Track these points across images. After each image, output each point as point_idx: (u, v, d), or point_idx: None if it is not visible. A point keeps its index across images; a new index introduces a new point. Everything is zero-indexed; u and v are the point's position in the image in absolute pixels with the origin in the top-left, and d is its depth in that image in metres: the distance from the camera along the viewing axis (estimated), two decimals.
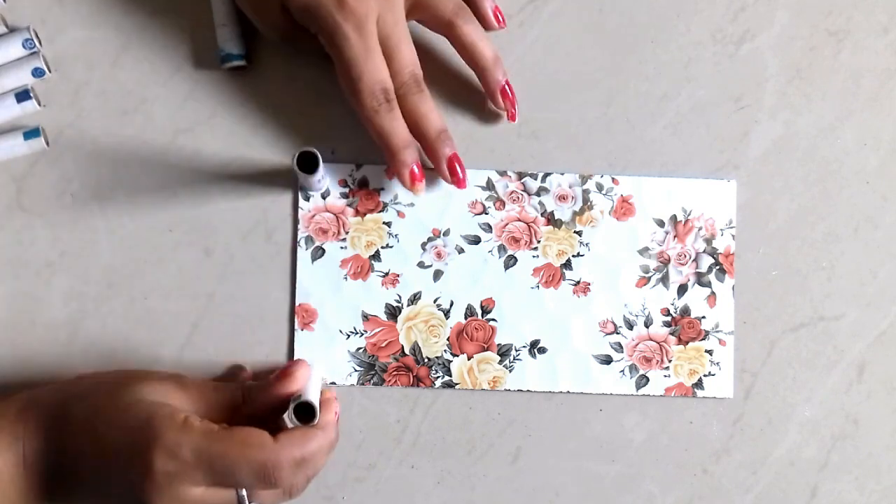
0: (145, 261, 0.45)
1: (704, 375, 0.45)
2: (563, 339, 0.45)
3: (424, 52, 0.44)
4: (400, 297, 0.45)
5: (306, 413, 0.38)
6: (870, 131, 0.47)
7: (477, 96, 0.46)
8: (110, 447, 0.36)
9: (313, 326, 0.45)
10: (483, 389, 0.45)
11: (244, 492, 0.36)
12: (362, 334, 0.45)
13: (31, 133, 0.44)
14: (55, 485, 0.37)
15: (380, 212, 0.45)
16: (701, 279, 0.46)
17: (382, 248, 0.45)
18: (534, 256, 0.45)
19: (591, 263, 0.46)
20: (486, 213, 0.45)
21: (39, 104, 0.44)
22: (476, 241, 0.45)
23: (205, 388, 0.40)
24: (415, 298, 0.45)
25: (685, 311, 0.46)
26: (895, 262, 0.46)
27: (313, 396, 0.39)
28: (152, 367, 0.44)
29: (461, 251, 0.45)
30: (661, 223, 0.46)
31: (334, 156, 0.45)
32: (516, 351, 0.45)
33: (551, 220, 0.46)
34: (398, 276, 0.45)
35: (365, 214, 0.45)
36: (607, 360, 0.45)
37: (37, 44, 0.44)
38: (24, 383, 0.44)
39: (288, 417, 0.39)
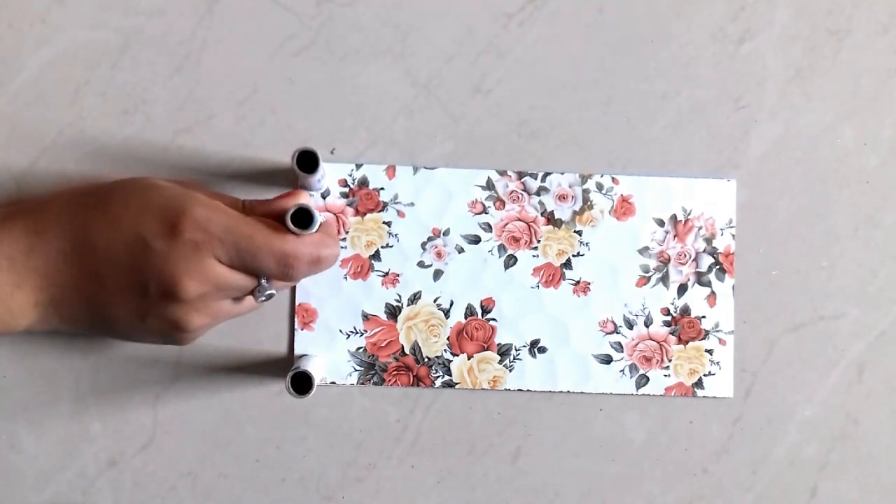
0: None
1: (704, 375, 0.45)
2: (563, 338, 0.45)
3: (422, 52, 0.44)
4: (400, 296, 0.45)
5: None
6: (870, 131, 0.47)
7: (478, 94, 0.46)
8: (141, 226, 0.37)
9: (313, 326, 0.45)
10: (483, 389, 0.45)
11: (265, 280, 0.38)
12: (362, 334, 0.45)
13: None
14: (89, 281, 0.38)
15: (380, 211, 0.45)
16: (701, 279, 0.46)
17: (382, 247, 0.45)
18: (534, 256, 0.45)
19: (591, 263, 0.46)
20: (486, 213, 0.46)
21: None
22: (476, 240, 0.45)
23: (210, 192, 0.41)
24: (415, 298, 0.45)
25: (685, 311, 0.46)
26: (895, 262, 0.46)
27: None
28: (153, 367, 0.44)
29: (461, 251, 0.45)
30: (661, 223, 0.46)
31: (334, 156, 0.45)
32: (516, 350, 0.45)
33: (551, 219, 0.46)
34: (398, 275, 0.45)
35: (365, 214, 0.45)
36: (607, 360, 0.45)
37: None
38: (23, 383, 0.44)
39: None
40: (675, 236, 0.46)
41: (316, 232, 0.39)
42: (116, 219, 0.37)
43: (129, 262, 0.37)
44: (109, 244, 0.37)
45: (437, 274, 0.45)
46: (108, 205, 0.38)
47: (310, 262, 0.38)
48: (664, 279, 0.46)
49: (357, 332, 0.45)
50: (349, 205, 0.45)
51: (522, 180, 0.46)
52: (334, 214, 0.45)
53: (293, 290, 0.45)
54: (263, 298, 0.39)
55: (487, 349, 0.45)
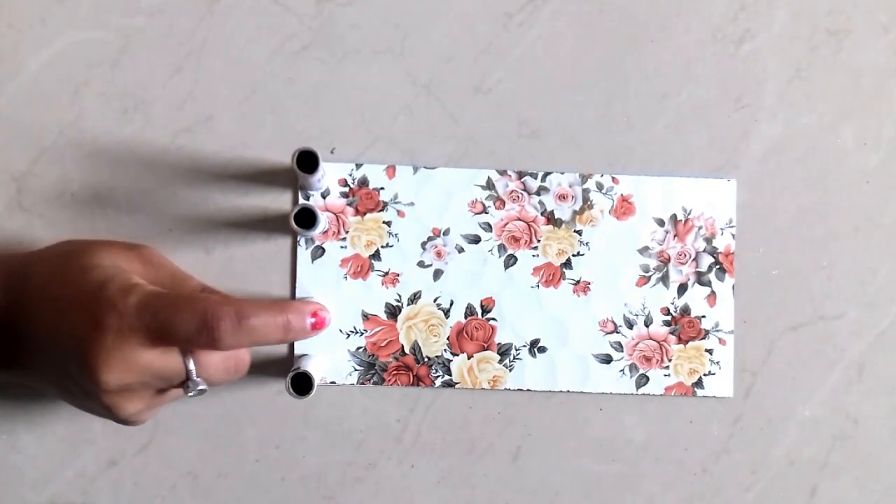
0: None
1: (704, 375, 0.45)
2: (563, 338, 0.45)
3: (422, 52, 0.44)
4: (400, 296, 0.45)
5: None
6: (870, 131, 0.47)
7: (478, 94, 0.46)
8: (65, 309, 0.35)
9: None
10: (483, 389, 0.45)
11: (191, 362, 0.36)
12: (362, 333, 0.45)
13: None
14: (14, 347, 0.37)
15: (380, 211, 0.45)
16: (701, 278, 0.46)
17: (382, 247, 0.45)
18: (534, 256, 0.45)
19: (591, 263, 0.46)
20: (486, 213, 0.45)
21: None
22: (476, 240, 0.45)
23: (174, 270, 0.41)
24: (415, 298, 0.45)
25: (685, 311, 0.46)
26: (895, 262, 0.46)
27: (311, 367, 0.39)
28: None
29: (461, 250, 0.45)
30: (661, 222, 0.46)
31: (334, 155, 0.45)
32: (516, 350, 0.45)
33: (551, 219, 0.46)
34: (398, 275, 0.45)
35: (365, 214, 0.45)
36: (607, 360, 0.45)
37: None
38: (23, 383, 0.44)
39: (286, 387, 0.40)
40: (675, 236, 0.46)
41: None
42: (40, 306, 0.36)
43: (57, 351, 0.36)
44: (36, 330, 0.36)
45: (437, 274, 0.45)
46: (34, 288, 0.37)
47: (234, 319, 0.35)
48: (664, 279, 0.46)
49: (357, 332, 0.45)
50: (349, 204, 0.45)
51: (522, 180, 0.46)
52: (334, 214, 0.45)
53: (293, 290, 0.45)
54: (193, 393, 0.37)
55: (487, 349, 0.45)
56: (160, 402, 0.38)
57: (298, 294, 0.45)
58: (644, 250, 0.46)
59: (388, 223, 0.45)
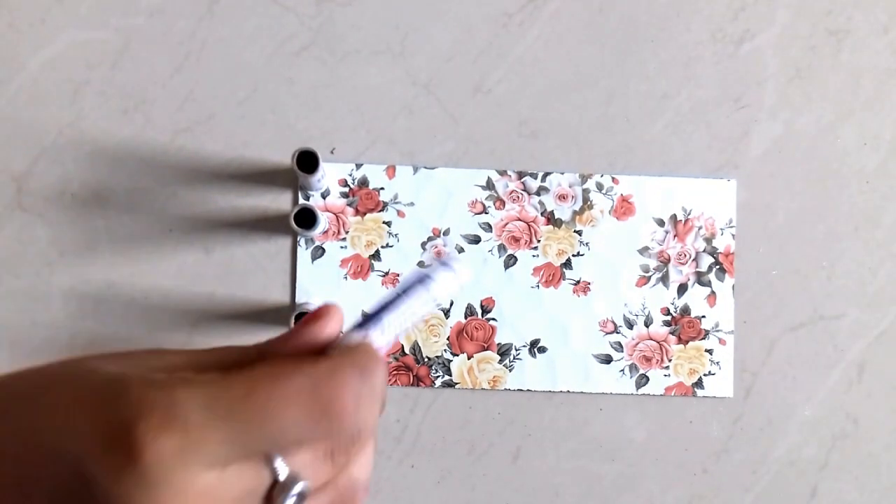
0: (145, 261, 0.45)
1: (704, 375, 0.45)
2: (563, 338, 0.45)
3: (422, 52, 0.44)
4: None
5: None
6: (870, 131, 0.47)
7: (478, 94, 0.46)
8: (53, 441, 0.21)
9: None
10: (483, 389, 0.45)
11: (282, 465, 0.21)
12: None
13: None
14: None
15: (380, 211, 0.45)
16: (701, 278, 0.46)
17: (382, 247, 0.45)
18: (534, 256, 0.45)
19: (591, 263, 0.46)
20: (486, 213, 0.45)
21: None
22: (476, 240, 0.45)
23: (191, 353, 0.25)
24: None
25: (685, 311, 0.46)
26: (895, 262, 0.46)
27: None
28: None
29: (461, 250, 0.45)
30: (661, 222, 0.46)
31: (334, 155, 0.45)
32: (516, 350, 0.45)
33: (551, 219, 0.46)
34: (398, 275, 0.45)
35: (365, 214, 0.45)
36: (607, 360, 0.45)
37: None
38: None
39: None
40: (675, 236, 0.46)
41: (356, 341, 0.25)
42: (23, 434, 0.21)
43: None
44: (10, 479, 0.21)
45: None
46: (15, 410, 0.22)
47: (357, 389, 0.21)
48: (664, 279, 0.46)
49: None
50: (349, 205, 0.45)
51: (522, 180, 0.46)
52: (334, 214, 0.45)
53: (293, 290, 0.45)
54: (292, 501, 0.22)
55: (487, 349, 0.45)
56: None
57: (298, 295, 0.45)
58: (644, 250, 0.46)
59: (388, 223, 0.45)
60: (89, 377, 0.22)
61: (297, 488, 0.22)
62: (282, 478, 0.21)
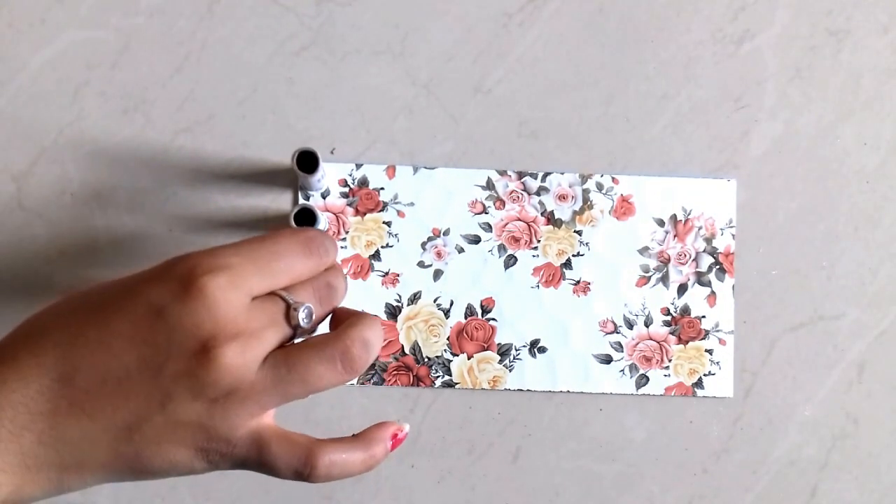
0: (145, 261, 0.45)
1: (704, 375, 0.45)
2: (563, 338, 0.45)
3: (422, 52, 0.44)
4: (400, 296, 0.45)
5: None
6: (870, 131, 0.47)
7: (478, 94, 0.46)
8: (147, 296, 0.29)
9: None
10: (483, 389, 0.45)
11: (291, 297, 0.31)
12: None
13: None
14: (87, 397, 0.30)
15: (380, 211, 0.45)
16: (701, 279, 0.46)
17: (382, 247, 0.45)
18: (534, 256, 0.45)
19: (591, 263, 0.46)
20: (486, 213, 0.45)
21: None
22: (476, 240, 0.45)
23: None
24: (415, 298, 0.45)
25: (685, 311, 0.46)
26: (895, 262, 0.46)
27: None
28: None
29: (461, 251, 0.45)
30: (661, 223, 0.46)
31: (334, 156, 0.45)
32: (516, 350, 0.45)
33: (551, 219, 0.46)
34: (398, 275, 0.45)
35: (365, 214, 0.45)
36: (607, 360, 0.45)
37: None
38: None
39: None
40: (675, 236, 0.46)
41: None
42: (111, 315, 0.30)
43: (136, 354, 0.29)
44: (97, 347, 0.30)
45: (437, 274, 0.45)
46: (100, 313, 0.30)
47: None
48: (664, 279, 0.46)
49: None
50: (349, 205, 0.45)
51: (522, 180, 0.46)
52: (334, 214, 0.45)
53: None
54: (305, 322, 0.31)
55: (487, 349, 0.45)
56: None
57: None
58: (644, 250, 0.46)
59: (388, 223, 0.45)
60: (156, 266, 0.31)
61: (305, 308, 0.31)
62: (292, 301, 0.31)
